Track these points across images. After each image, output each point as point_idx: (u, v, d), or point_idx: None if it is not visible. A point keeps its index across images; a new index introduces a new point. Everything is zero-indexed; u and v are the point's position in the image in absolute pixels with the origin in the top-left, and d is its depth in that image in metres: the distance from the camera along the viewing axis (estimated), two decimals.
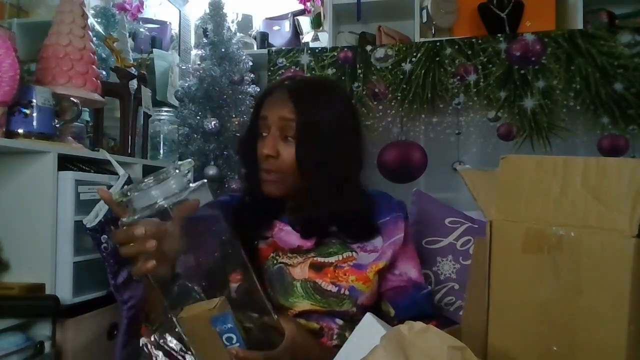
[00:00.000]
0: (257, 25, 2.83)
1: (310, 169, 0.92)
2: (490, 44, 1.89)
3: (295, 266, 0.93)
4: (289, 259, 0.95)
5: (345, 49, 2.00)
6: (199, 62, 2.33)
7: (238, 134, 2.21)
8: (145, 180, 0.67)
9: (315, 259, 0.93)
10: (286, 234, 0.95)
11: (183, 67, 2.44)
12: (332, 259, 0.93)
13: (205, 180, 0.73)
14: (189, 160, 0.72)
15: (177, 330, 0.73)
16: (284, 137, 0.92)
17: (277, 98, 0.94)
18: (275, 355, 0.74)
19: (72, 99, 1.34)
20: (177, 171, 0.68)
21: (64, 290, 1.20)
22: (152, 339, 0.81)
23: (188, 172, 0.70)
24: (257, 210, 0.99)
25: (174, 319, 0.70)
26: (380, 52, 1.96)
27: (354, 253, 0.95)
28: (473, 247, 0.62)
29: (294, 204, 0.97)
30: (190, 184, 0.70)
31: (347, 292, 0.91)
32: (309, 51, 2.01)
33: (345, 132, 0.96)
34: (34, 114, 1.22)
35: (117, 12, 2.13)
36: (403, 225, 0.99)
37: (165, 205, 0.66)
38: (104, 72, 1.85)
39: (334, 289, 0.91)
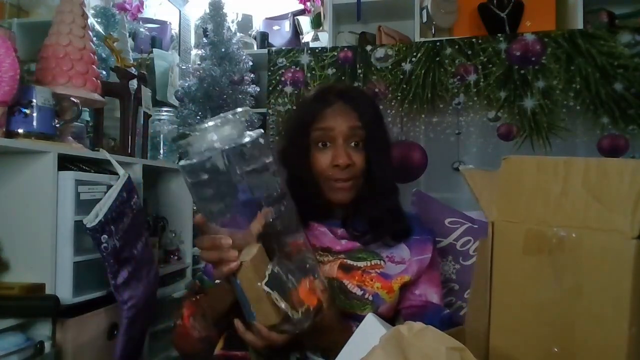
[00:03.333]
0: (257, 25, 2.83)
1: (380, 172, 0.98)
2: (490, 44, 1.89)
3: (325, 264, 0.96)
4: (319, 256, 0.98)
5: (345, 49, 2.00)
6: (199, 62, 2.34)
7: None
8: (204, 124, 0.69)
9: (345, 260, 0.96)
10: (320, 234, 0.99)
11: (183, 67, 2.44)
12: (360, 264, 0.96)
13: (262, 131, 0.73)
14: (246, 108, 0.73)
15: None
16: (350, 145, 0.97)
17: (339, 110, 0.98)
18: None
19: (72, 99, 1.34)
20: (235, 116, 0.69)
21: (64, 290, 1.20)
22: None
23: (245, 119, 0.72)
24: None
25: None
26: (380, 52, 1.96)
27: (382, 262, 0.97)
28: (477, 247, 0.62)
29: (349, 207, 1.00)
30: (247, 132, 0.71)
31: (370, 298, 0.93)
32: (309, 51, 2.01)
33: (389, 135, 1.06)
34: (34, 114, 1.22)
35: (117, 12, 2.13)
36: (431, 248, 1.02)
37: (221, 149, 0.67)
38: (104, 72, 1.85)
39: (359, 292, 0.93)
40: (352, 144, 0.97)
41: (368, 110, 1.00)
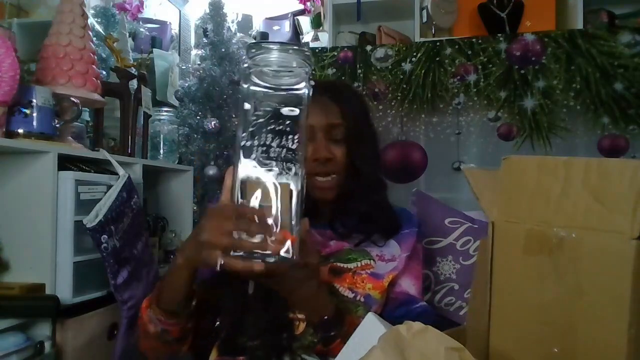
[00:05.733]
0: (257, 25, 2.83)
1: (363, 166, 0.96)
2: (490, 44, 1.89)
3: None
4: None
5: (345, 49, 2.00)
6: (199, 62, 2.33)
7: None
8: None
9: (335, 263, 0.94)
10: None
11: (183, 67, 2.44)
12: (351, 265, 0.95)
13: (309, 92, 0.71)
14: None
15: None
16: (331, 140, 0.95)
17: (318, 105, 0.95)
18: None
19: (72, 99, 1.34)
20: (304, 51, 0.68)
21: (64, 290, 1.20)
22: None
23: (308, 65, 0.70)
24: None
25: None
26: (380, 52, 1.96)
27: (371, 261, 0.96)
28: (477, 247, 0.62)
29: (335, 205, 0.98)
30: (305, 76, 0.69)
31: (362, 299, 0.92)
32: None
33: (374, 129, 1.05)
34: (34, 114, 1.22)
35: (117, 12, 2.13)
36: (415, 240, 1.01)
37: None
38: (104, 72, 1.85)
39: (351, 295, 0.92)
40: (333, 139, 0.95)
41: (351, 104, 0.98)
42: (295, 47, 0.70)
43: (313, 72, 1.94)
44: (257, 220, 0.64)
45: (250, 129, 0.68)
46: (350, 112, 0.97)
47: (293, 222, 0.66)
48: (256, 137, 0.68)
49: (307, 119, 0.70)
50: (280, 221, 0.66)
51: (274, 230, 0.65)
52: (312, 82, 0.70)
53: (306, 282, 0.77)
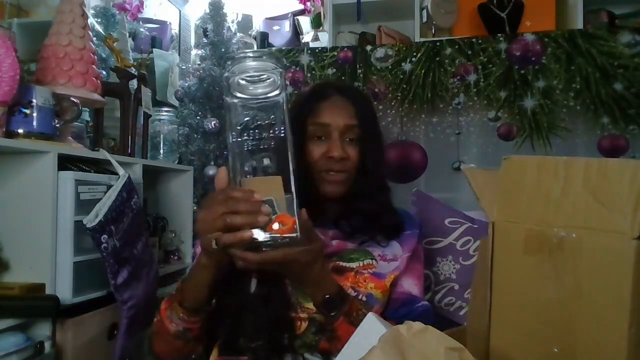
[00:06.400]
0: (257, 25, 2.83)
1: (373, 168, 0.99)
2: (490, 44, 1.89)
3: None
4: None
5: (345, 49, 2.00)
6: (199, 62, 2.33)
7: None
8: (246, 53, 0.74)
9: (337, 262, 0.95)
10: None
11: (183, 67, 2.44)
12: (353, 265, 0.95)
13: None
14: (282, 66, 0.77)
15: None
16: (346, 140, 0.98)
17: (336, 105, 0.99)
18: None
19: (72, 99, 1.34)
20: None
21: (64, 290, 1.20)
22: None
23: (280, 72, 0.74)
24: None
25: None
26: (380, 52, 1.96)
27: (374, 261, 0.97)
28: (478, 247, 0.62)
29: (342, 204, 1.00)
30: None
31: (364, 299, 0.92)
32: (309, 51, 2.01)
33: (381, 132, 1.07)
34: (34, 114, 1.22)
35: (117, 12, 2.13)
36: (416, 241, 1.02)
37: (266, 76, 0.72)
38: (104, 72, 1.85)
39: (353, 294, 0.92)
40: (348, 139, 0.98)
41: (364, 106, 1.01)
42: (266, 52, 0.77)
43: (313, 72, 1.95)
44: (244, 199, 0.69)
45: (238, 128, 0.73)
46: (365, 114, 1.00)
47: (291, 208, 0.71)
48: (245, 135, 0.72)
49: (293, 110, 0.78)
50: (278, 209, 0.70)
51: (273, 215, 0.69)
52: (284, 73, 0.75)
53: (312, 265, 0.80)
